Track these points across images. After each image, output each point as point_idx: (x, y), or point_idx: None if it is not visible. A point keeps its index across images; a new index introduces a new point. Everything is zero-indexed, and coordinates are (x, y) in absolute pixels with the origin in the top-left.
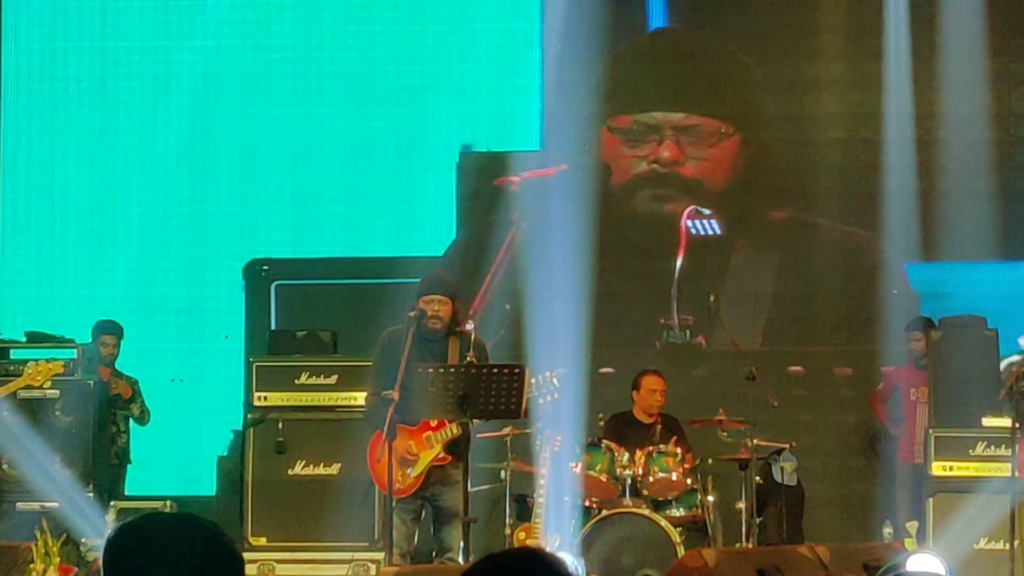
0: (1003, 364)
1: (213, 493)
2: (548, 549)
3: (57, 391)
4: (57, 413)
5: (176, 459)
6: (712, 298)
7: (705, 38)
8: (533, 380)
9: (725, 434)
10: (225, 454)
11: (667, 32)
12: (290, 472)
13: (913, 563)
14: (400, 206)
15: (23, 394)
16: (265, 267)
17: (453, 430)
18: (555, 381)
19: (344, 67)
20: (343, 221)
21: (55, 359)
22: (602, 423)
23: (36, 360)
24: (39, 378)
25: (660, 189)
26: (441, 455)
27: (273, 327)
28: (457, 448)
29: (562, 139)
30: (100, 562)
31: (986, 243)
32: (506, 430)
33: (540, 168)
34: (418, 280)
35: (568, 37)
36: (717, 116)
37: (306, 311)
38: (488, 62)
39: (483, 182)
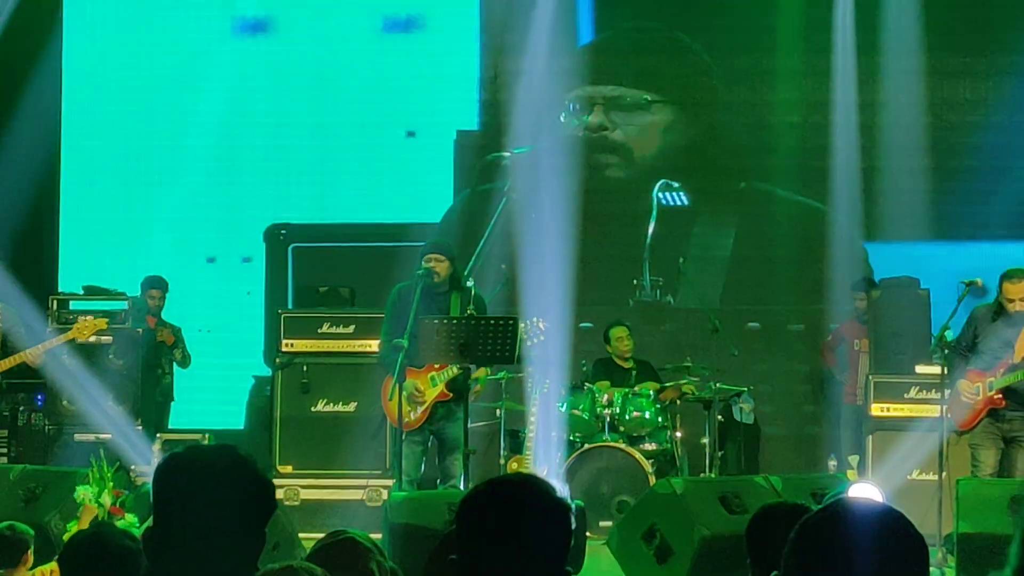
0: None
1: (242, 427)
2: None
3: (110, 338)
4: (111, 357)
5: (205, 398)
6: (681, 261)
7: (660, 32)
8: (522, 325)
9: (692, 378)
10: (248, 395)
11: (627, 29)
12: (313, 409)
13: (854, 491)
14: (404, 177)
15: (81, 340)
16: (283, 231)
17: (454, 370)
18: (541, 325)
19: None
20: (354, 191)
21: (100, 317)
22: (585, 369)
23: (85, 317)
24: (85, 332)
25: (592, 154)
26: (443, 392)
27: (290, 285)
28: (457, 387)
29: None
30: (151, 487)
31: (920, 222)
32: (501, 374)
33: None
34: (421, 243)
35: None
36: (649, 88)
37: (320, 271)
38: (436, 58)
39: (476, 157)
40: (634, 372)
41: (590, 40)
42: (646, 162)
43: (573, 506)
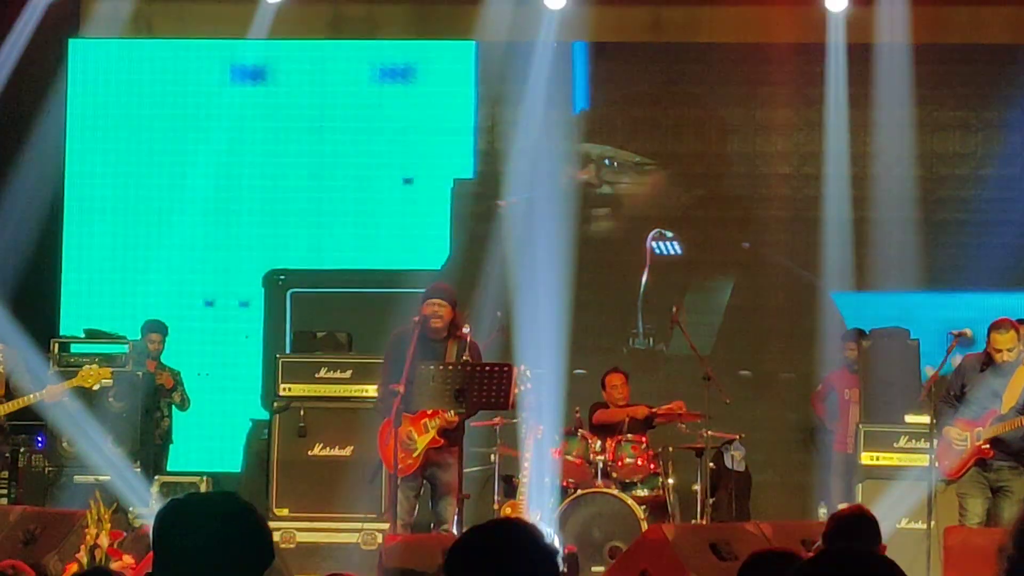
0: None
1: (239, 470)
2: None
3: (110, 380)
4: (110, 399)
5: (203, 441)
6: (674, 310)
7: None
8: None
9: (684, 426)
10: (245, 438)
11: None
12: (310, 453)
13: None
14: (401, 224)
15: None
16: (282, 276)
17: (448, 417)
18: (528, 373)
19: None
20: (352, 238)
21: (104, 365)
22: (578, 415)
23: (90, 365)
24: (90, 380)
25: (584, 207)
26: (435, 439)
27: (288, 330)
28: (451, 434)
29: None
30: (150, 532)
31: (910, 273)
32: (496, 420)
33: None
34: (419, 289)
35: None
36: (646, 152)
37: (318, 316)
38: (432, 107)
39: (473, 205)
40: (627, 419)
41: (585, 95)
42: (637, 214)
43: (564, 551)
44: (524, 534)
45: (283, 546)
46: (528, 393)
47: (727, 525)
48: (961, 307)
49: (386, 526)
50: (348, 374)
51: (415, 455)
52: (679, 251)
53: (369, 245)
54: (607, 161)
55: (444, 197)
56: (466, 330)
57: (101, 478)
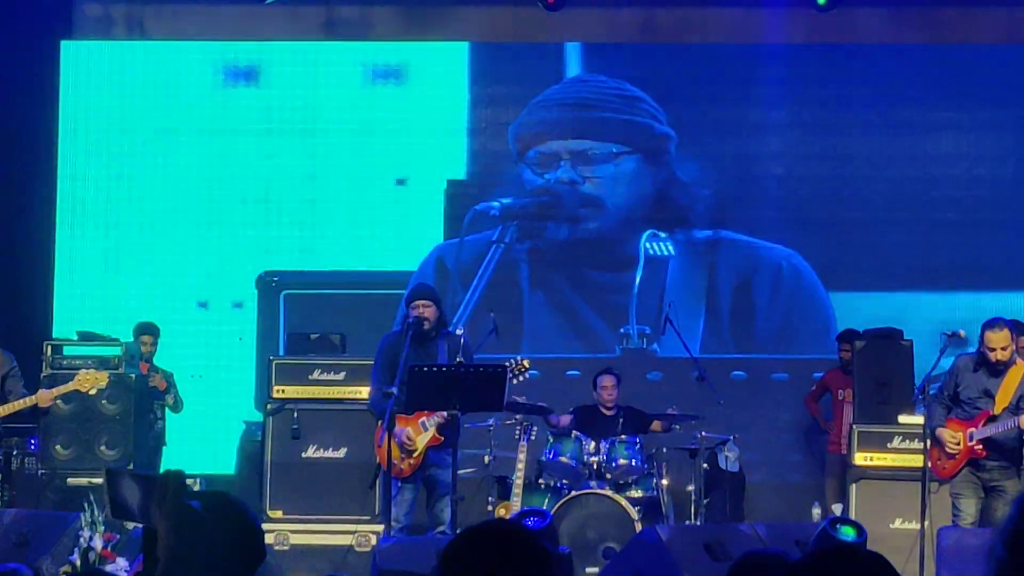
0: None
1: (232, 472)
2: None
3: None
4: (103, 402)
5: (197, 443)
6: (668, 309)
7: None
8: (506, 363)
9: (677, 427)
10: (239, 440)
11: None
12: (303, 455)
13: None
14: (394, 226)
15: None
16: (275, 278)
17: (444, 415)
18: (526, 364)
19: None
20: (345, 239)
21: (101, 369)
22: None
23: (87, 370)
24: (87, 385)
25: (568, 209)
26: (435, 437)
27: (282, 331)
28: (449, 432)
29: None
30: (142, 532)
31: (904, 273)
32: (490, 422)
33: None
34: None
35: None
36: (611, 140)
37: (311, 318)
38: (425, 108)
39: (466, 206)
40: (621, 420)
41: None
42: (620, 211)
43: (558, 552)
44: (520, 535)
45: (277, 548)
46: (523, 381)
47: (721, 526)
48: (955, 308)
49: (381, 528)
50: (342, 376)
51: (415, 456)
52: (673, 252)
53: (362, 246)
54: (590, 153)
55: (437, 198)
56: (459, 331)
57: (95, 481)
